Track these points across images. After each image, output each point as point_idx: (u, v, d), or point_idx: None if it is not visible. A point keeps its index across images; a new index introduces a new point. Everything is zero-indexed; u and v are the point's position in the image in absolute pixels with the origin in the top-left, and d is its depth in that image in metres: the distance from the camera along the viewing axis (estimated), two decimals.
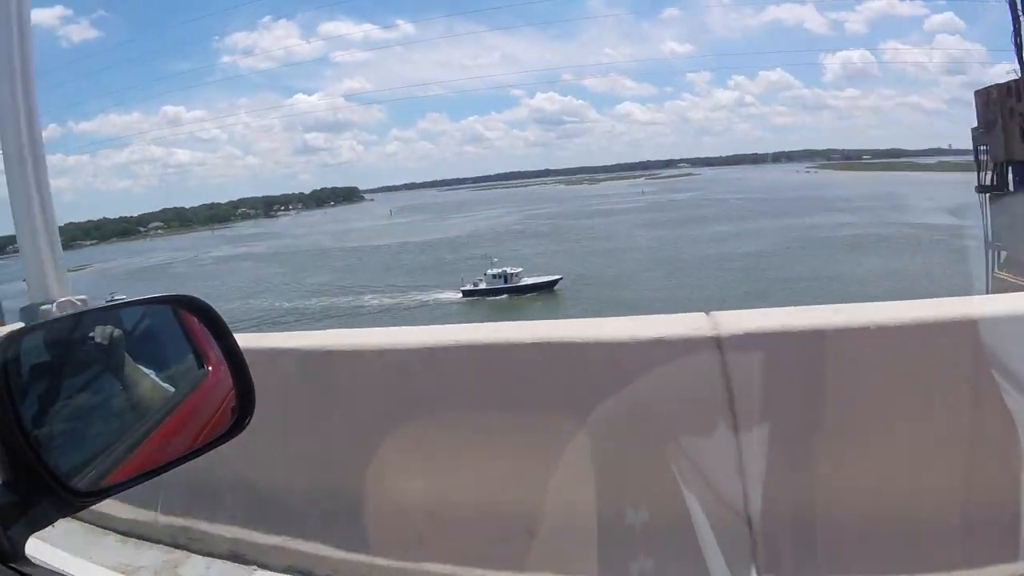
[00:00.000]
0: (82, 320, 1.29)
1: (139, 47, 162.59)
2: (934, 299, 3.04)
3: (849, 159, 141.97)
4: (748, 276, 52.00)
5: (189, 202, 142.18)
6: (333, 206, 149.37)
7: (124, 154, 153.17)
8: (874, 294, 32.25)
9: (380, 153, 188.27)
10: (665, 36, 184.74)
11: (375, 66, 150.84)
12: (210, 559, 3.70)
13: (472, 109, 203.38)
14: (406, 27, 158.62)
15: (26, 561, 0.90)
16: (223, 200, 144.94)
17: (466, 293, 57.00)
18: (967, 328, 2.78)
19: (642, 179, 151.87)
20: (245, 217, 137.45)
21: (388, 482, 3.30)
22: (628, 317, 3.42)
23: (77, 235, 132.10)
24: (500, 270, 57.64)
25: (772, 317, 3.05)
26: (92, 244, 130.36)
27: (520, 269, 58.24)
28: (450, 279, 61.43)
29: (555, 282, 56.29)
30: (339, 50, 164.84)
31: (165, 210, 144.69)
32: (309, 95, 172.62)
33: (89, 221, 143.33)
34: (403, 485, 3.31)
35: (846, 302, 3.29)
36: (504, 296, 55.43)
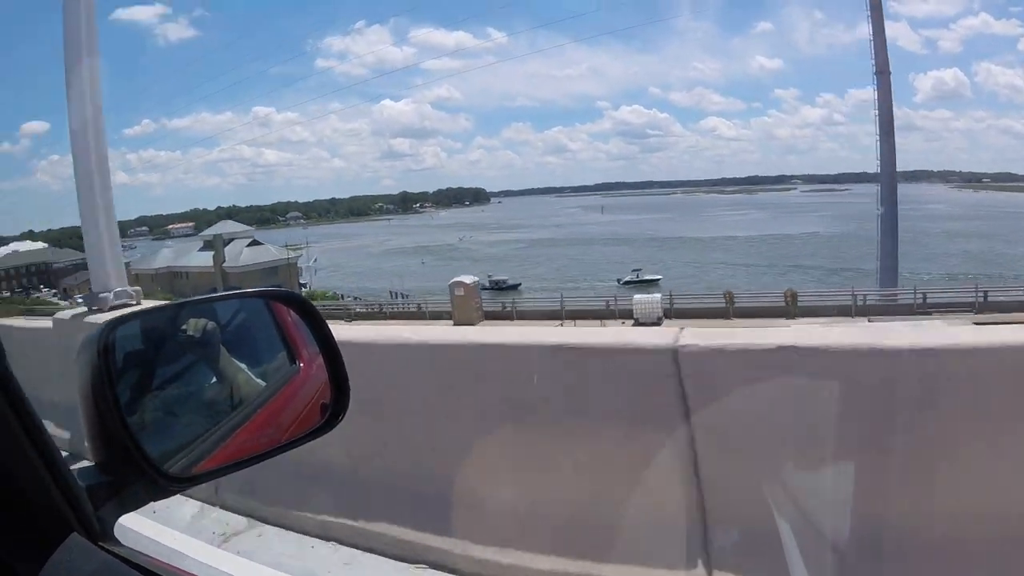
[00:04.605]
0: (179, 311, 1.26)
1: (235, 48, 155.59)
2: None
3: (968, 181, 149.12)
4: None
5: (275, 199, 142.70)
6: (468, 205, 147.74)
7: (215, 152, 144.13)
8: None
9: (463, 160, 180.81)
10: (754, 51, 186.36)
11: (463, 75, 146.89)
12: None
13: (556, 120, 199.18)
14: (497, 36, 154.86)
15: (114, 541, 0.89)
16: (310, 198, 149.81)
17: None
18: None
19: (795, 191, 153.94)
20: (382, 212, 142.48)
21: (484, 480, 3.26)
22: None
23: (213, 219, 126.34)
24: None
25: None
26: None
27: None
28: None
29: None
30: (429, 58, 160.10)
31: (277, 203, 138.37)
32: (396, 101, 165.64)
33: (219, 208, 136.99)
34: (498, 484, 3.25)
35: None
36: None
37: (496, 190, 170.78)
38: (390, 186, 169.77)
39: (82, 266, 78.13)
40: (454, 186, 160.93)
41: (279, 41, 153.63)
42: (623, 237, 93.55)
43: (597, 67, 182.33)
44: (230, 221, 77.39)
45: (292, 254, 59.40)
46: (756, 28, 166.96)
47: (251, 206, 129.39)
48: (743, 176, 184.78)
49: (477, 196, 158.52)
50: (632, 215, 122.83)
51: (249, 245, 58.20)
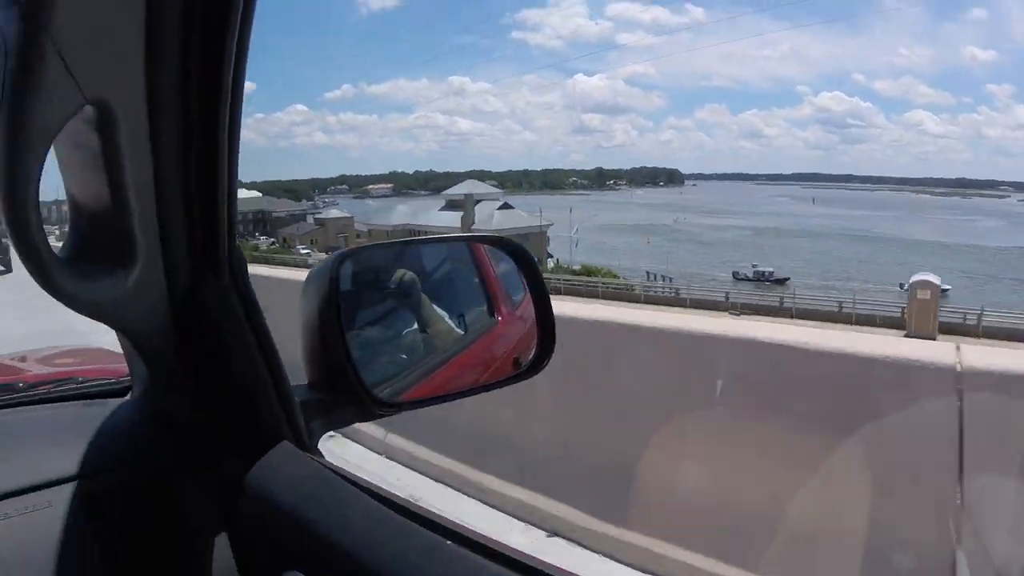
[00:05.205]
0: (387, 254, 1.30)
1: (434, 18, 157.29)
2: None
3: None
4: None
5: (467, 167, 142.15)
6: (662, 186, 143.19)
7: (410, 119, 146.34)
8: None
9: (654, 140, 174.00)
10: (967, 40, 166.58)
11: (658, 52, 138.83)
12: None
13: (752, 103, 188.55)
14: (695, 12, 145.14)
15: (319, 453, 0.95)
16: (502, 168, 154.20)
17: None
18: None
19: (1010, 199, 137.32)
20: (575, 186, 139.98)
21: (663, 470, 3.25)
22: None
23: (411, 182, 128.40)
24: None
25: None
26: (427, 195, 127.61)
27: None
28: None
29: None
30: (624, 32, 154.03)
31: (473, 171, 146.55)
32: (589, 76, 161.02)
33: (417, 171, 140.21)
34: (679, 475, 3.25)
35: None
36: None
37: (687, 172, 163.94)
38: (578, 161, 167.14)
39: (300, 217, 79.64)
40: (647, 165, 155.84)
41: (477, 12, 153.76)
42: (856, 234, 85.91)
43: (798, 48, 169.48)
44: (477, 181, 75.03)
45: (545, 221, 56.10)
46: (970, 14, 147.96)
47: (447, 172, 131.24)
48: (950, 177, 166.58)
49: (671, 177, 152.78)
50: (846, 209, 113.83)
51: (500, 208, 55.40)
